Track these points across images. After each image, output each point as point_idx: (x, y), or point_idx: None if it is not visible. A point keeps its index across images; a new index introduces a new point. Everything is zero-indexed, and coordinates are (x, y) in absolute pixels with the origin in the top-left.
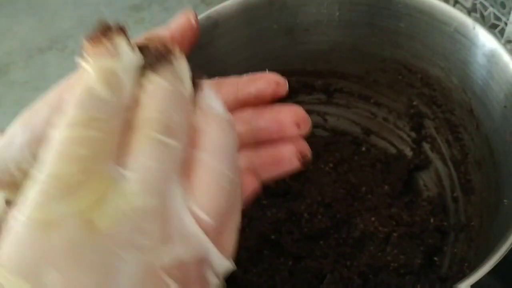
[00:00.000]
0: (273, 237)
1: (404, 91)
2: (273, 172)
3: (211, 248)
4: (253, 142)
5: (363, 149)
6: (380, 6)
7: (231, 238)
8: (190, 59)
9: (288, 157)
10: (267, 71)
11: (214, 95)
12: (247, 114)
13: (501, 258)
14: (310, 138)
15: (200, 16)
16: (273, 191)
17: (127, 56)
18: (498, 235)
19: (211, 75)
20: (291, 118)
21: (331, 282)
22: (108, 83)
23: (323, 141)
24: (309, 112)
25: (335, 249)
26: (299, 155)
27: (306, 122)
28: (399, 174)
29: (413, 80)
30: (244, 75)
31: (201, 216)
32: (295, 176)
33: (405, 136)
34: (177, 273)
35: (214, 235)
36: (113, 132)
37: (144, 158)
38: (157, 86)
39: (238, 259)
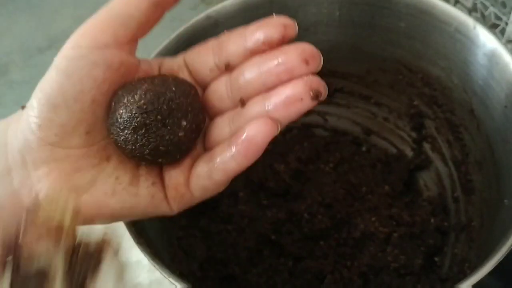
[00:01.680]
0: (273, 237)
1: (404, 91)
2: (287, 114)
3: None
4: (264, 88)
5: (364, 149)
6: (381, 5)
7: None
8: None
9: (299, 95)
10: (274, 15)
11: None
12: (255, 61)
13: (502, 258)
14: (310, 138)
15: (200, 16)
16: (273, 191)
17: None
18: (499, 235)
19: None
20: (298, 56)
21: (332, 283)
22: None
23: (323, 141)
24: (309, 112)
25: (335, 250)
26: (310, 91)
27: (315, 58)
28: (399, 174)
29: (414, 80)
30: (251, 23)
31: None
32: (295, 176)
33: (405, 136)
34: None
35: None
36: None
37: None
38: None
39: (238, 259)
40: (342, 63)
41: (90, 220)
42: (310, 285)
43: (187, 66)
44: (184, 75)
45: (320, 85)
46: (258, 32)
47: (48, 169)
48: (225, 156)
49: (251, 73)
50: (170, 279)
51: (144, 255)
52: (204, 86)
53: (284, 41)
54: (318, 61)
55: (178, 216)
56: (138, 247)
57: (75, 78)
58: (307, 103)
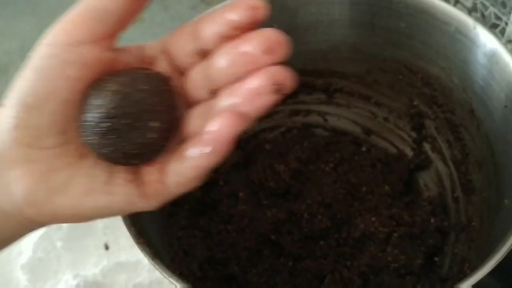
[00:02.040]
0: (273, 237)
1: (404, 91)
2: (254, 107)
3: None
4: (234, 78)
5: (364, 149)
6: (381, 5)
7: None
8: None
9: (261, 89)
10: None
11: None
12: (225, 48)
13: (501, 259)
14: (310, 138)
15: (200, 16)
16: (273, 191)
17: None
18: (498, 235)
19: None
20: (260, 44)
21: (332, 283)
22: None
23: (323, 141)
24: (309, 112)
25: (335, 250)
26: (273, 85)
27: (280, 46)
28: (399, 174)
29: (414, 80)
30: (226, 5)
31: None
32: (295, 176)
33: (405, 136)
34: None
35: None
36: None
37: None
38: None
39: (238, 259)
40: (342, 63)
41: (65, 220)
42: (310, 285)
43: (166, 52)
44: (163, 62)
45: (284, 77)
46: (226, 16)
47: (23, 170)
48: (194, 153)
49: (221, 62)
50: (170, 279)
51: (144, 255)
52: (184, 73)
53: (254, 25)
54: (283, 50)
55: (178, 216)
56: (138, 247)
57: (47, 77)
58: (271, 97)
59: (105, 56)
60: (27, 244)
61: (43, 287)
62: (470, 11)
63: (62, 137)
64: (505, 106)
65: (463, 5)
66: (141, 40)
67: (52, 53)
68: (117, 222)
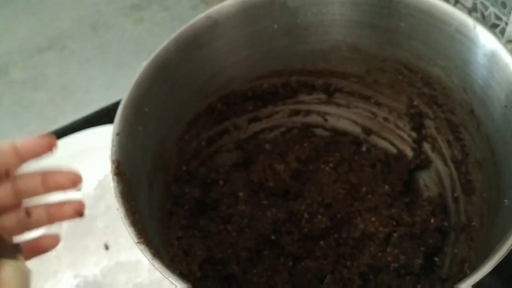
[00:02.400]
0: (273, 237)
1: (404, 90)
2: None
3: None
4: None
5: (364, 149)
6: (381, 5)
7: None
8: (191, 59)
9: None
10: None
11: None
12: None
13: (501, 258)
14: (310, 138)
15: (200, 16)
16: (273, 191)
17: None
18: (498, 235)
19: (210, 74)
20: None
21: (331, 283)
22: None
23: (323, 141)
24: (309, 112)
25: (335, 250)
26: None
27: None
28: (399, 174)
29: (414, 80)
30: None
31: None
32: (295, 176)
33: (405, 136)
34: None
35: None
36: None
37: None
38: None
39: (238, 259)
40: (342, 63)
41: None
42: (310, 285)
43: None
44: None
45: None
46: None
47: None
48: None
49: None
50: (170, 279)
51: (144, 255)
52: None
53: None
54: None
55: (178, 216)
56: (138, 247)
57: None
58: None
59: None
60: None
61: (43, 287)
62: (470, 11)
63: None
64: (505, 106)
65: (463, 5)
66: (141, 40)
67: None
68: (117, 222)
